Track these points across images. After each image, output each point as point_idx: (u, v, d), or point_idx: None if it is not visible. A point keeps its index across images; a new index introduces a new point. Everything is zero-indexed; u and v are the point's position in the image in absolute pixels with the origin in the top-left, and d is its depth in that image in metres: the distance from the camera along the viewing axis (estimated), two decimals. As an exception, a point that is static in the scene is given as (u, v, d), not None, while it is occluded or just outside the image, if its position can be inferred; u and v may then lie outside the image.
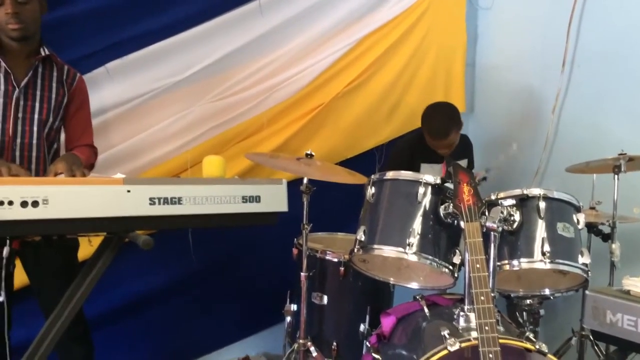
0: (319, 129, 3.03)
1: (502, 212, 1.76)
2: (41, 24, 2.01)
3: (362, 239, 1.95)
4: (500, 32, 3.48)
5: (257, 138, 2.88)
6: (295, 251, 2.42)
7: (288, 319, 2.40)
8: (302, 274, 2.23)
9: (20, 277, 2.04)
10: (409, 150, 2.83)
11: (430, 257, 1.86)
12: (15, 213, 1.37)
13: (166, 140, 2.67)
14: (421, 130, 2.72)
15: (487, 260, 1.69)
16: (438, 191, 1.91)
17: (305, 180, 2.20)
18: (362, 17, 3.13)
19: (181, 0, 2.66)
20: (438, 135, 2.62)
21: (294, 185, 2.00)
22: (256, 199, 1.73)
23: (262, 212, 1.74)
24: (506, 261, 1.87)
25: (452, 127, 2.60)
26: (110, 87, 2.54)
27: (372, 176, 2.04)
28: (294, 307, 2.39)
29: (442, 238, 1.90)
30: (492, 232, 1.71)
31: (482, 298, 1.54)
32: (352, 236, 2.07)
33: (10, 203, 1.37)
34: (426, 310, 1.92)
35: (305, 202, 2.21)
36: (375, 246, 1.92)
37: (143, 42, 2.60)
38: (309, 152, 2.14)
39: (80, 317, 1.98)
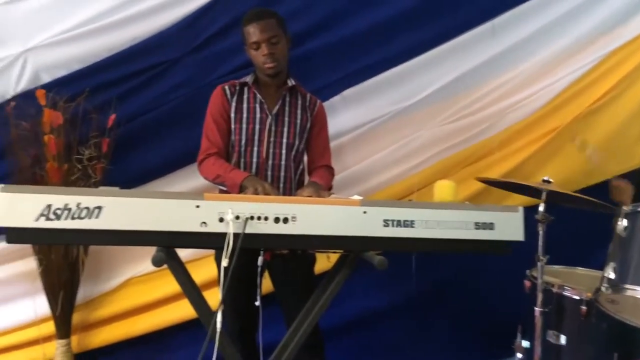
0: (555, 153, 2.81)
1: None
2: (288, 59, 2.24)
3: (612, 277, 1.75)
4: None
5: (486, 162, 2.79)
6: (527, 284, 2.26)
7: (519, 355, 2.24)
8: (537, 309, 2.07)
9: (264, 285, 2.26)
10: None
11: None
12: (269, 228, 1.52)
13: (395, 163, 2.75)
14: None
15: None
16: None
17: (541, 208, 2.05)
18: (611, 30, 2.84)
19: (412, 28, 2.73)
20: None
21: (526, 212, 1.87)
22: (490, 226, 1.67)
23: (495, 240, 1.67)
24: None
25: None
26: (345, 113, 2.72)
27: (625, 207, 1.82)
28: (525, 343, 2.22)
29: None
30: None
31: None
32: (594, 272, 1.87)
33: (266, 219, 1.53)
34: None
35: (540, 232, 2.05)
36: (628, 286, 1.71)
37: (376, 69, 2.74)
38: (546, 178, 2.00)
39: (316, 327, 2.10)
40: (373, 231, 1.59)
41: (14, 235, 1.39)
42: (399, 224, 1.61)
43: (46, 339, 2.47)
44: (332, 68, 2.72)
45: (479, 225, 1.66)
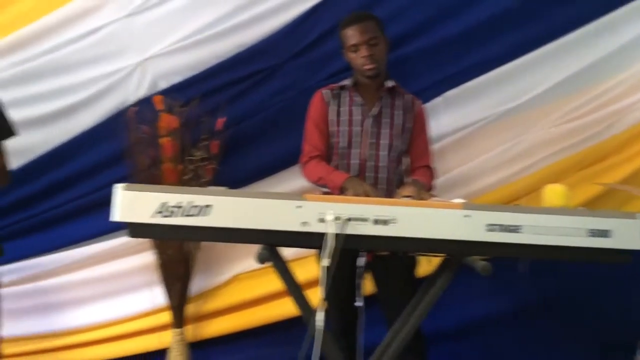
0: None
1: None
2: (387, 62, 2.24)
3: None
4: None
5: (602, 166, 2.62)
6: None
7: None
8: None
9: (366, 287, 2.27)
10: None
11: None
12: (369, 229, 1.53)
13: (500, 166, 2.64)
14: None
15: None
16: None
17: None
18: None
19: (517, 26, 2.63)
20: None
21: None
22: (605, 233, 1.56)
23: (612, 248, 1.56)
24: None
25: None
26: (447, 115, 2.66)
27: None
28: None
29: None
30: None
31: None
32: None
33: (365, 220, 1.53)
34: None
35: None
36: None
37: (479, 70, 2.66)
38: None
39: (418, 331, 2.07)
40: (476, 235, 1.54)
41: (134, 230, 1.50)
42: (503, 228, 1.55)
43: (163, 327, 2.64)
44: (432, 69, 2.68)
45: (593, 233, 1.56)
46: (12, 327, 2.58)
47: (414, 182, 2.08)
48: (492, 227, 1.55)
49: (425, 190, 1.98)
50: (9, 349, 2.60)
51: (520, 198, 2.57)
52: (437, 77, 2.67)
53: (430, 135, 2.33)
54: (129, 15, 2.64)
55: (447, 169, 2.62)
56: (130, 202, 1.46)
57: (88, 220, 2.64)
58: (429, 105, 2.55)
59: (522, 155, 2.63)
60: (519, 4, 2.62)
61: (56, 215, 2.68)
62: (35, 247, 2.66)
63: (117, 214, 1.45)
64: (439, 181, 2.38)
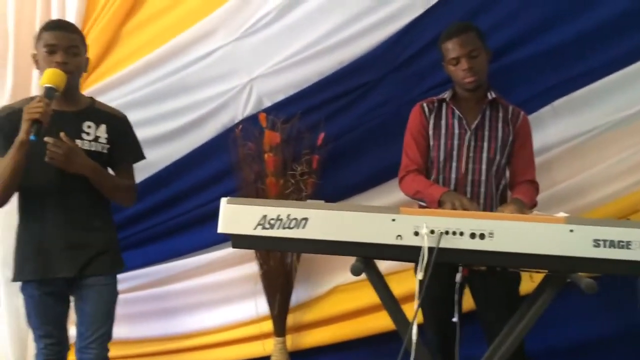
0: None
1: None
2: (491, 71, 2.19)
3: None
4: None
5: None
6: None
7: None
8: None
9: (466, 303, 2.22)
10: None
11: None
12: (465, 243, 1.50)
13: (615, 178, 2.48)
14: None
15: None
16: None
17: None
18: None
19: (630, 32, 2.47)
20: None
21: None
22: None
23: None
24: None
25: None
26: (555, 125, 2.55)
27: None
28: None
29: None
30: None
31: None
32: None
33: (461, 234, 1.51)
34: None
35: None
36: None
37: (591, 77, 2.52)
38: None
39: (520, 350, 1.98)
40: (581, 251, 1.47)
41: (237, 241, 1.59)
42: (612, 244, 1.47)
43: (266, 335, 2.74)
44: (540, 78, 2.57)
45: None
46: (132, 330, 2.83)
47: (515, 201, 2.02)
48: (599, 243, 1.47)
49: (527, 209, 1.91)
50: (126, 351, 2.84)
51: (638, 212, 2.39)
52: (544, 85, 2.57)
53: (534, 148, 2.25)
54: (238, 38, 2.81)
55: (553, 182, 2.50)
56: (233, 215, 1.55)
57: (201, 231, 2.81)
58: (536, 115, 2.47)
59: (638, 168, 2.44)
60: (634, 9, 2.46)
61: (172, 226, 2.88)
62: (152, 256, 2.87)
63: (222, 225, 1.55)
64: (543, 195, 2.28)
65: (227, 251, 2.74)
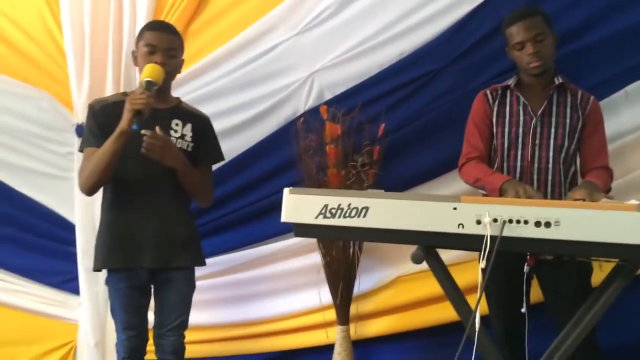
0: None
1: None
2: (556, 57, 2.13)
3: None
4: None
5: None
6: None
7: None
8: None
9: (534, 294, 2.16)
10: None
11: None
12: (529, 231, 1.47)
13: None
14: None
15: None
16: None
17: None
18: None
19: None
20: None
21: None
22: None
23: None
24: None
25: None
26: (628, 110, 2.44)
27: None
28: None
29: None
30: None
31: None
32: None
33: (526, 222, 1.47)
34: None
35: None
36: None
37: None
38: None
39: (591, 343, 1.92)
40: (654, 240, 1.41)
41: (299, 230, 1.63)
42: (689, 232, 1.40)
43: (329, 324, 2.78)
44: (612, 62, 2.46)
45: None
46: (208, 316, 2.94)
47: (586, 184, 1.95)
48: (675, 231, 1.40)
49: (600, 192, 1.84)
50: (203, 335, 2.96)
51: None
52: (617, 69, 2.46)
53: (607, 134, 2.16)
54: (299, 33, 2.85)
55: (627, 170, 2.39)
56: (295, 205, 1.60)
57: (266, 222, 2.88)
58: (608, 101, 2.38)
59: None
60: None
61: (242, 215, 2.96)
62: (219, 246, 2.96)
63: (285, 215, 1.60)
64: (617, 182, 2.19)
65: (292, 241, 2.80)
